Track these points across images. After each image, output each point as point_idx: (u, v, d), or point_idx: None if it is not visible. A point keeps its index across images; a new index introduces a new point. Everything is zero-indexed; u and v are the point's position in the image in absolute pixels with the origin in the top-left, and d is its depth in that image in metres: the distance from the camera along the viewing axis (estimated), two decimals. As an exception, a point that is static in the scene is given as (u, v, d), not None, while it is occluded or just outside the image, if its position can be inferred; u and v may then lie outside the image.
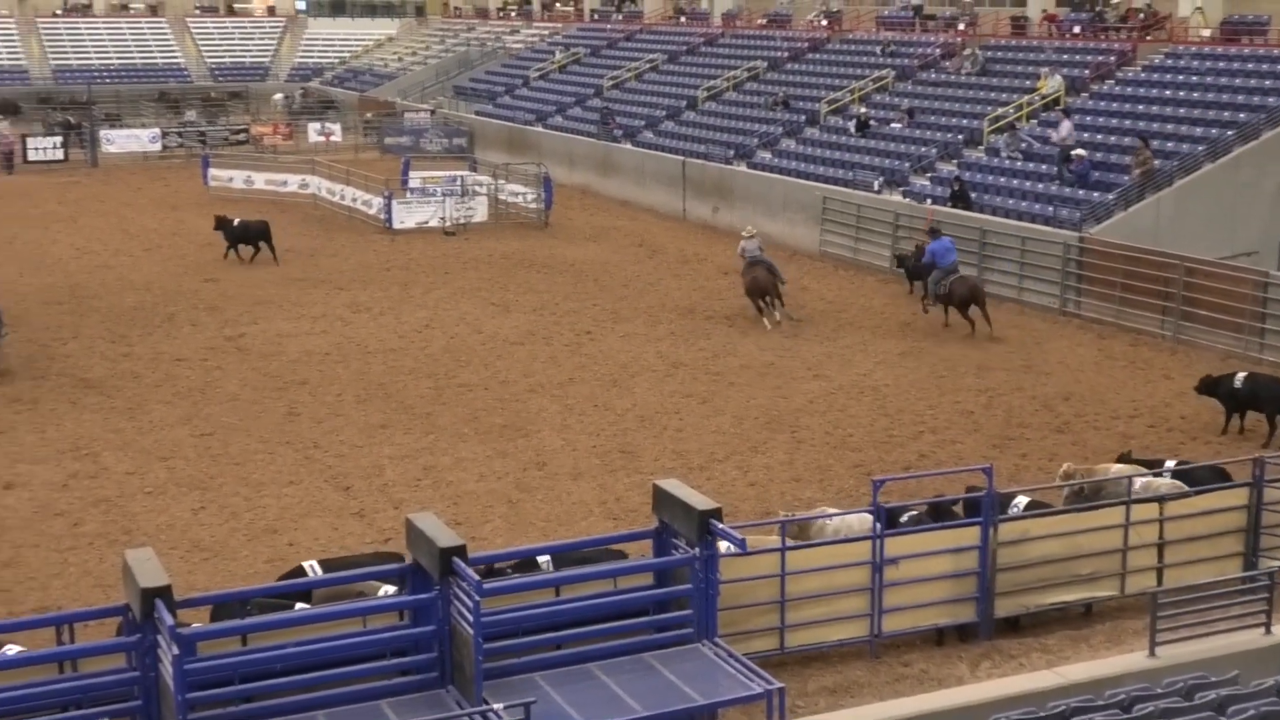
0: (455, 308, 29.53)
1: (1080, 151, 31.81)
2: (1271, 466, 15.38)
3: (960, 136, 36.43)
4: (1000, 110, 36.18)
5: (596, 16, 65.22)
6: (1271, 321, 25.01)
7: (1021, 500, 15.33)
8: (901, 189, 34.80)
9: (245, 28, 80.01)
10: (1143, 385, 23.80)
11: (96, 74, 69.95)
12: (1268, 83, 32.13)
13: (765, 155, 40.33)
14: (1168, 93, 34.04)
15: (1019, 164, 33.67)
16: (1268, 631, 13.31)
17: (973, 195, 32.29)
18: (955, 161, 35.33)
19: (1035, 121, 35.33)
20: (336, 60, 76.20)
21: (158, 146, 54.75)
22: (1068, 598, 14.66)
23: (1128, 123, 33.25)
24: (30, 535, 17.45)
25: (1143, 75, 35.80)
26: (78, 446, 20.74)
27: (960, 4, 47.47)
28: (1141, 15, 39.98)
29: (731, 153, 40.81)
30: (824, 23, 50.28)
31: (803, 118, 41.76)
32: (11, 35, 73.59)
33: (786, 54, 47.75)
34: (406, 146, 53.04)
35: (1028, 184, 32.42)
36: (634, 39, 57.81)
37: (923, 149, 36.52)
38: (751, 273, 28.30)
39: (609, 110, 48.51)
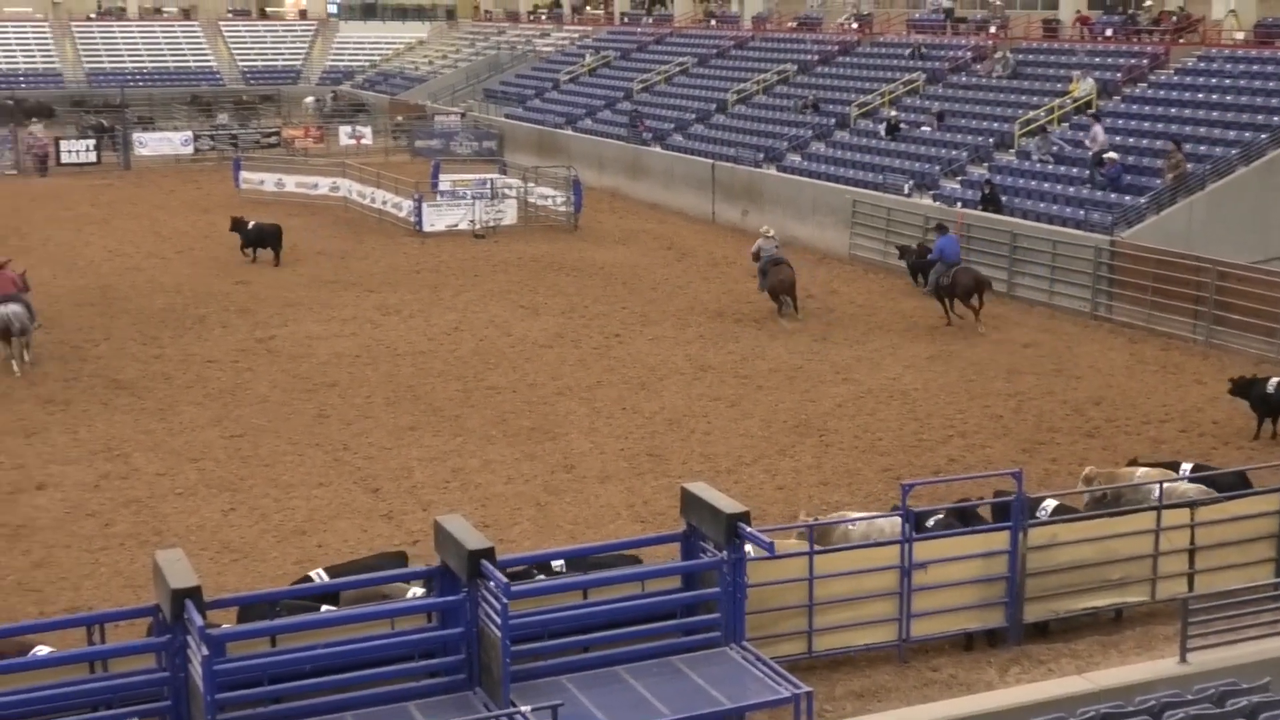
0: (484, 310, 29.59)
1: (1112, 155, 31.64)
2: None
3: (991, 140, 36.28)
4: (1031, 113, 36.01)
5: (626, 20, 65.29)
6: (1305, 326, 24.85)
7: (1049, 504, 15.27)
8: (932, 192, 34.69)
9: (277, 31, 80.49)
10: (1174, 390, 23.65)
11: (130, 77, 70.51)
12: (1302, 86, 31.95)
13: (795, 158, 40.27)
14: (1200, 96, 33.83)
15: (1050, 167, 33.51)
16: (1300, 638, 13.21)
17: (1003, 199, 32.17)
18: (986, 165, 35.21)
19: (1067, 125, 35.17)
20: (367, 63, 76.53)
21: (190, 149, 55.12)
22: (1098, 603, 14.58)
23: (1160, 126, 33.07)
24: (62, 536, 17.56)
25: (1175, 78, 35.58)
26: (109, 447, 20.87)
27: (991, 6, 47.33)
28: (1174, 18, 39.77)
29: (761, 156, 40.76)
30: (854, 26, 50.20)
31: (833, 121, 41.68)
32: (46, 39, 74.22)
33: (817, 57, 47.68)
34: (437, 150, 53.21)
35: (1059, 187, 32.27)
36: (664, 42, 57.83)
37: (953, 152, 36.40)
38: (779, 273, 28.53)
39: (638, 113, 48.54)
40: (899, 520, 14.08)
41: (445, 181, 41.83)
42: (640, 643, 12.05)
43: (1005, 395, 23.29)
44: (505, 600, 10.97)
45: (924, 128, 38.52)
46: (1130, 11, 42.45)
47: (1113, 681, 12.49)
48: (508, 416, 22.30)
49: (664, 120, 47.73)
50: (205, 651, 10.39)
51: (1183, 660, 12.77)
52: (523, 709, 10.57)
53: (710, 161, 41.95)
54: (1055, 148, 34.12)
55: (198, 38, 76.92)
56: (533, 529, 17.61)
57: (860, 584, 13.77)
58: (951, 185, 34.72)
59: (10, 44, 73.26)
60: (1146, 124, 33.55)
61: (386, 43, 78.12)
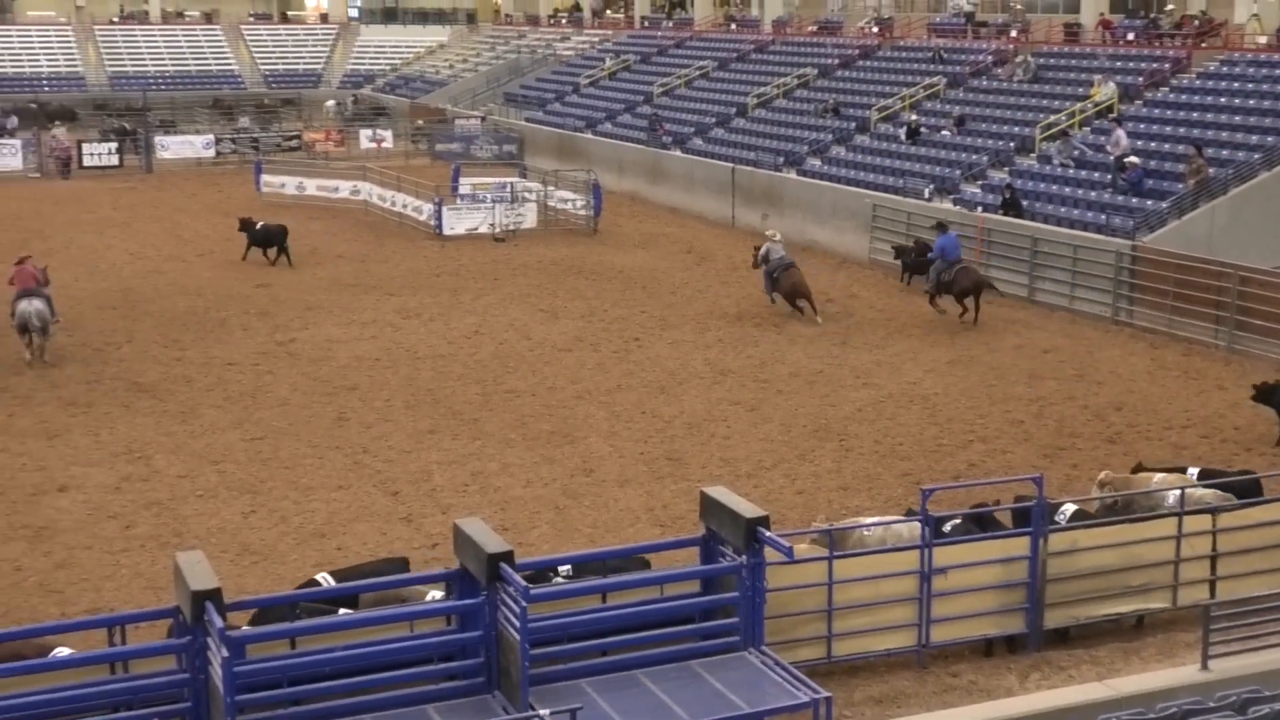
0: (504, 314, 29.63)
1: (1133, 159, 31.55)
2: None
3: (1012, 144, 36.20)
4: (1053, 117, 35.92)
5: (647, 23, 65.31)
6: (1328, 332, 24.73)
7: (1068, 508, 15.21)
8: (952, 197, 34.62)
9: (298, 35, 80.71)
10: (1196, 395, 23.56)
11: (152, 81, 70.73)
12: (1325, 90, 31.82)
13: (815, 162, 40.23)
14: (1223, 100, 33.70)
15: (1071, 172, 33.42)
16: (1323, 645, 13.14)
17: (1024, 203, 32.08)
18: (1006, 169, 35.12)
19: (1088, 129, 35.06)
20: (388, 67, 76.66)
21: (211, 153, 55.31)
22: (1119, 609, 14.53)
23: (1182, 130, 32.96)
24: (83, 537, 17.63)
25: (1197, 83, 35.45)
26: (131, 449, 20.95)
27: (1012, 10, 47.21)
28: (1196, 22, 39.63)
29: (781, 160, 40.73)
30: (875, 30, 50.15)
31: (853, 125, 41.62)
32: (69, 42, 74.58)
33: (837, 61, 47.64)
34: (457, 153, 53.33)
35: (1080, 192, 32.17)
36: (684, 46, 57.83)
37: (974, 156, 36.31)
38: (791, 277, 28.77)
39: (657, 117, 48.55)
40: (917, 525, 14.06)
41: (465, 185, 41.93)
42: (659, 647, 12.04)
43: (1026, 400, 23.22)
44: (524, 603, 10.98)
45: (944, 132, 38.45)
46: (1152, 15, 42.31)
47: (1134, 688, 12.43)
48: (527, 420, 22.32)
49: (684, 124, 47.73)
50: (225, 653, 10.43)
51: (1204, 667, 12.70)
52: (541, 712, 10.57)
53: (730, 165, 41.94)
54: (1076, 152, 34.01)
55: (219, 41, 77.19)
56: (551, 532, 17.61)
57: (880, 589, 13.74)
58: (972, 190, 34.65)
59: (34, 47, 73.64)
60: (1168, 128, 33.44)
61: (407, 46, 78.24)
